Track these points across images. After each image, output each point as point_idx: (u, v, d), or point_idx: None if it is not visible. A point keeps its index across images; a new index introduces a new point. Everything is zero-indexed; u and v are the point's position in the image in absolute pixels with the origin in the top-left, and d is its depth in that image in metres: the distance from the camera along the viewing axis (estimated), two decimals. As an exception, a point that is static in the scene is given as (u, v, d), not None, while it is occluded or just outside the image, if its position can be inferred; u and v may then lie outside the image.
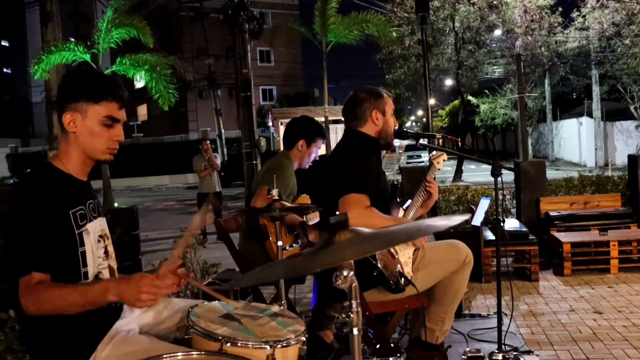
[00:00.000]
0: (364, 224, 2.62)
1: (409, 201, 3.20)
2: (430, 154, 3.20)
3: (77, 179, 1.99)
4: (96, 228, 1.99)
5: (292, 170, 3.73)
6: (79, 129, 1.94)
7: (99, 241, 2.00)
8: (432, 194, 3.19)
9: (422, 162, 23.77)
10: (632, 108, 25.18)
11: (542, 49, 21.87)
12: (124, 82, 2.14)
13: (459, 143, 23.80)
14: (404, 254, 2.91)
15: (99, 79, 2.05)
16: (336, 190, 2.82)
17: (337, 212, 2.68)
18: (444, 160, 3.32)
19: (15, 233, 1.82)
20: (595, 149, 26.04)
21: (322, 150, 3.99)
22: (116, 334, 1.87)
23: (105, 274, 2.01)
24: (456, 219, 1.49)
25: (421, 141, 3.26)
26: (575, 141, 28.50)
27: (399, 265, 2.87)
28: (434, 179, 3.27)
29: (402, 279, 2.84)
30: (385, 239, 1.50)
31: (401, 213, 3.10)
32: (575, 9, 22.50)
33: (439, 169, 3.27)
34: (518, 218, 6.96)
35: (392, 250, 2.83)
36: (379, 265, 2.79)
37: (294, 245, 3.47)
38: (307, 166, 3.86)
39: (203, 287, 2.33)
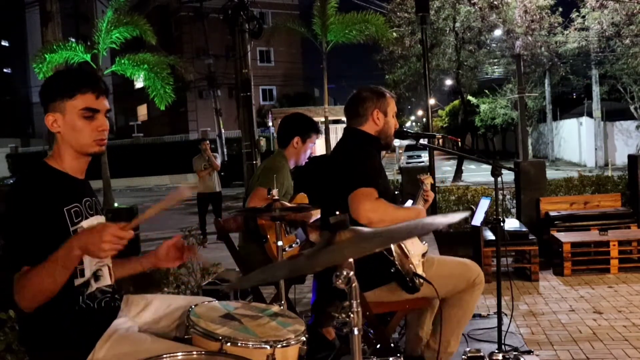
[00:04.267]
0: (377, 216, 2.66)
1: (410, 202, 3.19)
2: (419, 176, 3.19)
3: (73, 177, 1.99)
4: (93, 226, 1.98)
5: (288, 169, 3.72)
6: (62, 128, 1.94)
7: None
8: (428, 201, 3.19)
9: (422, 162, 23.75)
10: (632, 108, 25.18)
11: (542, 49, 21.87)
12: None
13: (459, 143, 23.80)
14: (414, 257, 2.89)
15: (70, 74, 2.06)
16: (343, 188, 2.79)
17: (349, 209, 2.69)
18: (430, 182, 3.31)
19: (9, 231, 1.82)
20: (595, 149, 26.03)
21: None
22: (114, 331, 1.87)
23: (104, 272, 2.01)
24: (455, 217, 1.48)
25: (421, 141, 3.26)
26: (575, 141, 28.50)
27: (412, 265, 2.85)
28: (434, 186, 3.27)
29: (417, 278, 2.82)
30: (384, 237, 1.50)
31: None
32: (574, 9, 22.53)
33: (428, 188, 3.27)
34: (518, 218, 6.96)
35: (404, 249, 2.82)
36: (396, 261, 2.78)
37: (293, 245, 3.47)
38: (304, 163, 3.84)
39: (203, 259, 2.34)
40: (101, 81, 2.01)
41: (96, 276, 1.96)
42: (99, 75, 2.19)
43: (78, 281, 1.90)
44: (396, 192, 3.24)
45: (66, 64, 12.54)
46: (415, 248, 2.88)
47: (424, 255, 2.98)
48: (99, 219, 2.03)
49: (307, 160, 3.85)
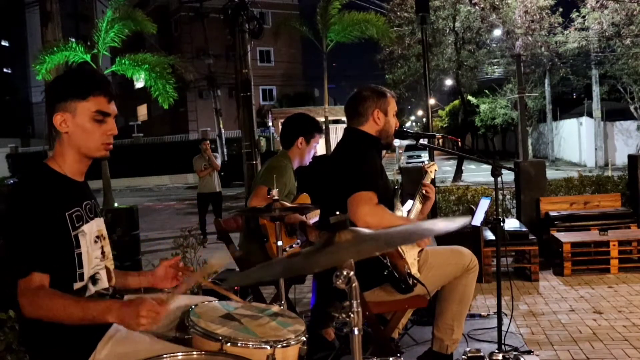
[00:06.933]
0: (375, 221, 2.66)
1: (410, 202, 3.19)
2: (423, 163, 3.21)
3: (73, 180, 1.98)
4: (93, 229, 1.98)
5: (291, 169, 3.72)
6: (71, 128, 1.94)
7: (95, 242, 1.99)
8: (430, 197, 3.20)
9: (422, 162, 23.75)
10: (632, 108, 25.17)
11: (542, 49, 21.87)
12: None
13: (459, 143, 23.79)
14: (410, 255, 2.89)
15: (84, 75, 2.06)
16: (342, 189, 2.79)
17: (348, 211, 2.70)
18: (435, 170, 3.33)
19: (12, 235, 1.82)
20: (595, 149, 26.03)
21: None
22: (115, 332, 1.87)
23: (102, 275, 2.01)
24: (456, 223, 1.47)
25: (421, 141, 3.26)
26: (575, 141, 28.49)
27: (406, 265, 2.86)
28: (434, 181, 3.28)
29: (411, 279, 2.83)
30: (384, 241, 1.49)
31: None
32: (574, 10, 22.52)
33: (432, 178, 3.28)
34: (518, 218, 6.95)
35: (400, 250, 2.82)
36: (388, 264, 2.78)
37: (294, 245, 3.47)
38: (308, 163, 3.85)
39: (208, 283, 2.34)
40: (112, 86, 2.02)
41: (94, 280, 1.97)
42: (109, 79, 2.23)
43: (77, 285, 1.90)
44: (397, 187, 3.24)
45: (66, 64, 12.52)
46: (410, 247, 2.89)
47: (420, 252, 2.99)
48: (99, 221, 2.04)
49: (310, 160, 3.86)
